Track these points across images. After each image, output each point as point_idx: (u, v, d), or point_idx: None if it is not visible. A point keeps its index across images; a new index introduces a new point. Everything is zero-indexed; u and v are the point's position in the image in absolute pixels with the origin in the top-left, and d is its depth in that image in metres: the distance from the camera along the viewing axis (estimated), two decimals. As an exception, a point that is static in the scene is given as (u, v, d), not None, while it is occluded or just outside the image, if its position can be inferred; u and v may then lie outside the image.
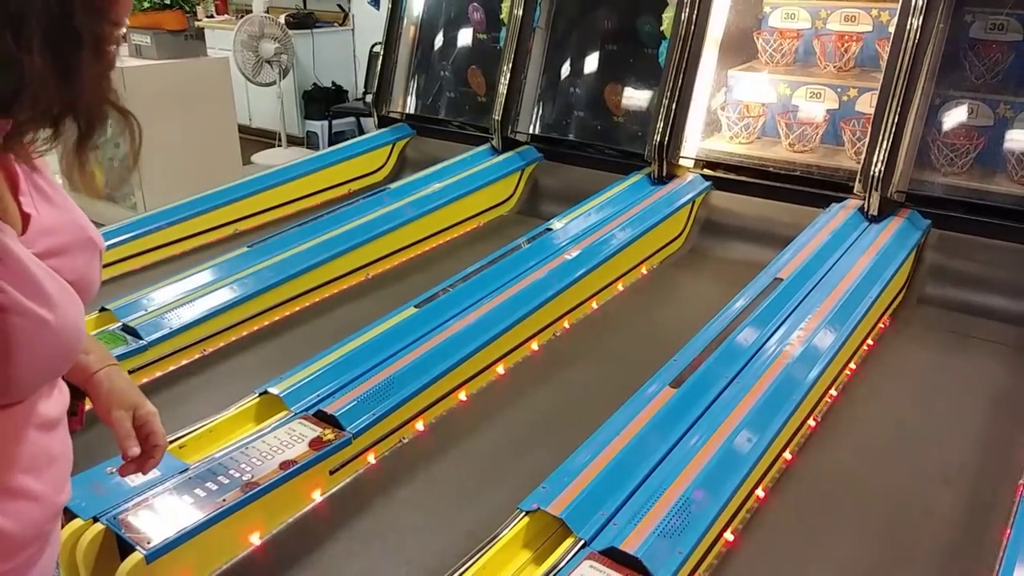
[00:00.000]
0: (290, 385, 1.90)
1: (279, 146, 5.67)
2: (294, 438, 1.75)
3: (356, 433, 1.78)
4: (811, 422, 1.93)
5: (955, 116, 2.66)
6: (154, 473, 1.62)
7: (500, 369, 2.18)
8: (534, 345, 2.29)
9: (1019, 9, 2.60)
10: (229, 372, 2.20)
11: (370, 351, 2.03)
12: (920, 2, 2.48)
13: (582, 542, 1.46)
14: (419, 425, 1.95)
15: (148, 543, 1.45)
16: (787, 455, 1.83)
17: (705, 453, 1.65)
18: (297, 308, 2.50)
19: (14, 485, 0.75)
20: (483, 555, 1.45)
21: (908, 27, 2.50)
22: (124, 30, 0.71)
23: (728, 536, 1.60)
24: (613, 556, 1.42)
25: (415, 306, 2.24)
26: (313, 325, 2.44)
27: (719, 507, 1.55)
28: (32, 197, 0.75)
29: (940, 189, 2.61)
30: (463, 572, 1.42)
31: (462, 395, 2.06)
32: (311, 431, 1.77)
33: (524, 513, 1.54)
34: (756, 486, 1.70)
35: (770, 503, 1.71)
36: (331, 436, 1.76)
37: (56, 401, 0.84)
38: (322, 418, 1.81)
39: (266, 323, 2.42)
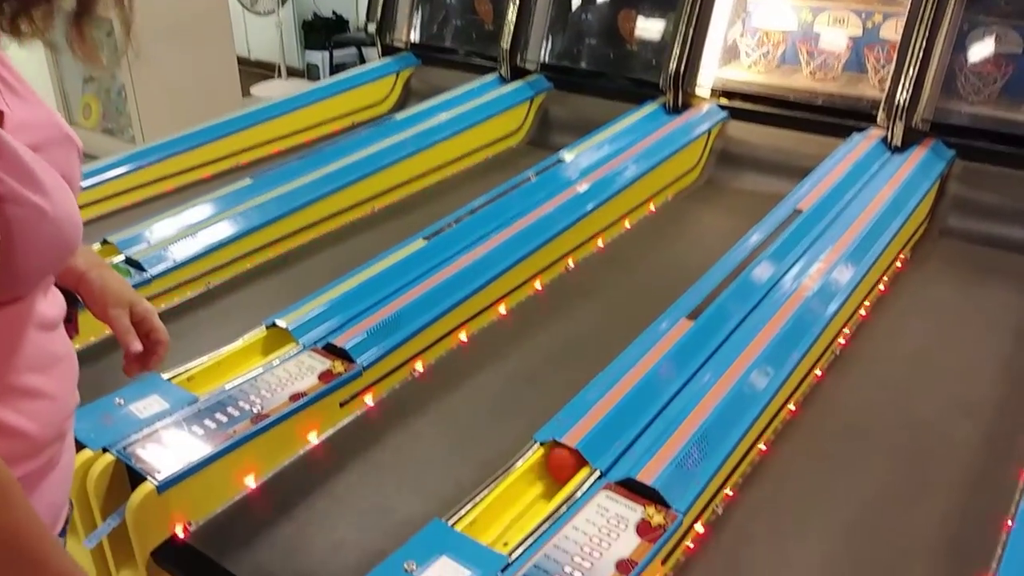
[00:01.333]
0: (298, 318, 1.86)
1: (279, 78, 5.53)
2: (303, 370, 1.72)
3: (366, 366, 1.75)
4: (833, 352, 1.90)
5: (983, 43, 2.55)
6: (163, 405, 1.62)
7: (511, 303, 2.13)
8: (545, 278, 2.24)
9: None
10: (235, 305, 2.16)
11: (379, 283, 1.98)
12: (951, -80, 2.35)
13: (598, 473, 1.44)
14: (429, 359, 1.92)
15: (159, 474, 1.43)
16: (806, 387, 1.79)
17: (724, 384, 1.62)
18: (302, 241, 2.44)
19: (26, 384, 0.75)
20: (498, 485, 1.43)
21: (939, -54, 2.38)
22: None
23: (759, 447, 1.58)
24: (630, 487, 1.40)
25: (424, 238, 2.19)
26: (319, 258, 2.39)
27: (738, 436, 1.52)
28: (2, 93, 0.71)
29: (966, 119, 2.52)
30: (478, 502, 1.40)
31: (472, 329, 2.02)
32: (321, 364, 1.74)
33: (539, 444, 1.51)
34: (774, 418, 1.67)
35: (787, 434, 1.68)
36: (341, 369, 1.73)
37: (52, 302, 0.82)
38: (331, 351, 1.78)
39: (271, 256, 2.37)
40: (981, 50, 2.55)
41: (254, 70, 5.84)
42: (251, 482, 1.57)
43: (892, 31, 2.75)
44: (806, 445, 1.67)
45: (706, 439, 1.49)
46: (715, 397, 1.59)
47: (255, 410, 1.60)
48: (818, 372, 1.84)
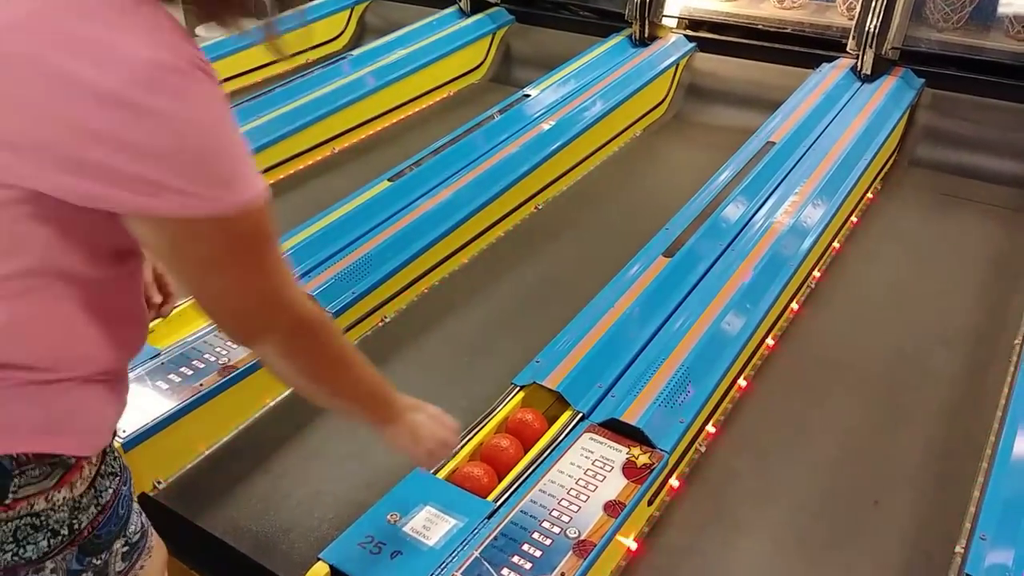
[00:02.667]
0: (260, 265, 1.77)
1: (225, 18, 5.28)
2: (269, 320, 1.65)
3: (337, 312, 1.69)
4: (809, 286, 1.88)
5: (953, -33, 2.51)
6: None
7: (482, 244, 2.08)
8: (516, 219, 2.18)
9: None
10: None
11: (344, 227, 1.90)
12: None
13: (580, 415, 1.41)
14: (400, 304, 1.86)
15: (123, 432, 1.36)
16: (784, 322, 1.78)
17: (702, 322, 1.59)
18: (260, 186, 2.34)
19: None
20: (480, 430, 1.40)
21: None
22: None
23: (739, 383, 1.57)
24: (613, 428, 1.37)
25: (388, 180, 2.11)
26: (279, 203, 2.23)
27: (720, 374, 1.50)
28: None
29: (935, 46, 2.49)
30: (460, 448, 1.36)
31: (443, 273, 1.97)
32: (287, 312, 1.67)
33: (519, 388, 1.48)
34: (754, 354, 1.66)
35: (768, 370, 1.67)
36: (309, 317, 1.66)
37: None
38: (298, 299, 1.70)
39: (228, 202, 2.26)
40: (951, -25, 2.51)
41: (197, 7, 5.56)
42: (222, 436, 1.52)
43: (861, -43, 2.68)
44: (786, 379, 1.66)
45: (688, 377, 1.47)
46: (695, 335, 1.56)
47: (222, 362, 1.53)
48: (795, 306, 1.82)
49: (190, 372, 1.51)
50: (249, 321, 0.79)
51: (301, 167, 2.45)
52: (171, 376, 1.50)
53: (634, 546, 1.29)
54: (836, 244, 2.03)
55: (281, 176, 2.39)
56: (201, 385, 1.47)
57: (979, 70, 2.41)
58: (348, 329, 1.73)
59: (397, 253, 1.85)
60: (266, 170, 2.35)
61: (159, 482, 1.43)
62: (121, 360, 0.82)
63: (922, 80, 2.46)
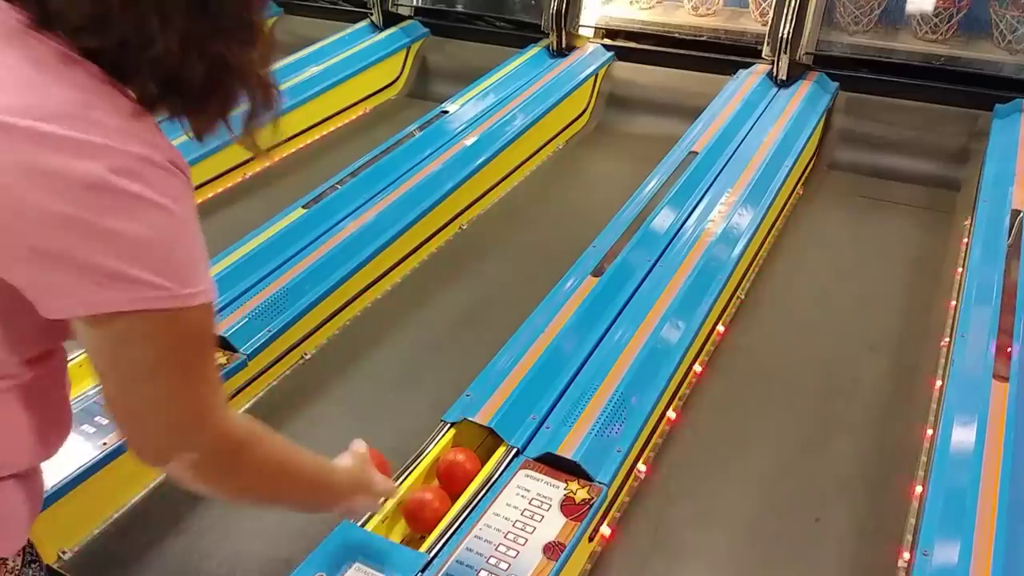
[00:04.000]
0: (168, 306, 1.66)
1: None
2: (179, 366, 1.54)
3: (251, 354, 1.59)
4: (739, 296, 1.87)
5: (860, -29, 2.55)
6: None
7: (405, 269, 2.00)
8: (439, 240, 2.11)
9: None
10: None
11: (257, 261, 1.80)
12: None
13: (515, 450, 1.35)
14: (321, 339, 1.77)
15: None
16: (720, 328, 1.76)
17: (635, 343, 1.56)
18: (167, 217, 2.21)
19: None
20: (411, 472, 1.33)
21: None
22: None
23: (668, 416, 1.54)
24: (549, 462, 1.32)
25: (303, 207, 2.01)
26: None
27: (655, 397, 1.46)
28: None
29: (846, 49, 2.53)
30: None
31: (366, 302, 1.88)
32: (199, 356, 1.56)
33: (450, 424, 1.41)
34: (688, 371, 1.63)
35: (702, 386, 1.65)
36: (223, 359, 1.56)
37: None
38: (210, 340, 1.60)
39: (133, 237, 2.13)
40: (857, -21, 2.55)
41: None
42: (131, 496, 1.41)
43: (770, -38, 2.71)
44: (720, 395, 1.64)
45: (623, 403, 1.43)
46: (628, 357, 1.52)
47: (127, 417, 1.42)
48: (725, 321, 1.81)
49: (92, 429, 1.39)
50: (169, 437, 0.73)
51: (210, 195, 2.33)
52: (73, 434, 1.38)
53: (577, 587, 1.24)
54: (763, 253, 2.02)
55: (189, 206, 2.27)
56: (105, 444, 1.36)
57: (890, 72, 2.45)
58: (265, 370, 1.63)
59: (315, 285, 1.76)
60: (173, 200, 2.23)
61: (64, 552, 1.32)
62: (46, 458, 0.79)
63: (836, 84, 2.49)
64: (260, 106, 0.69)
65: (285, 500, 0.90)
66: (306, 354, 1.73)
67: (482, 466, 1.34)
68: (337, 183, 2.11)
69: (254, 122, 0.70)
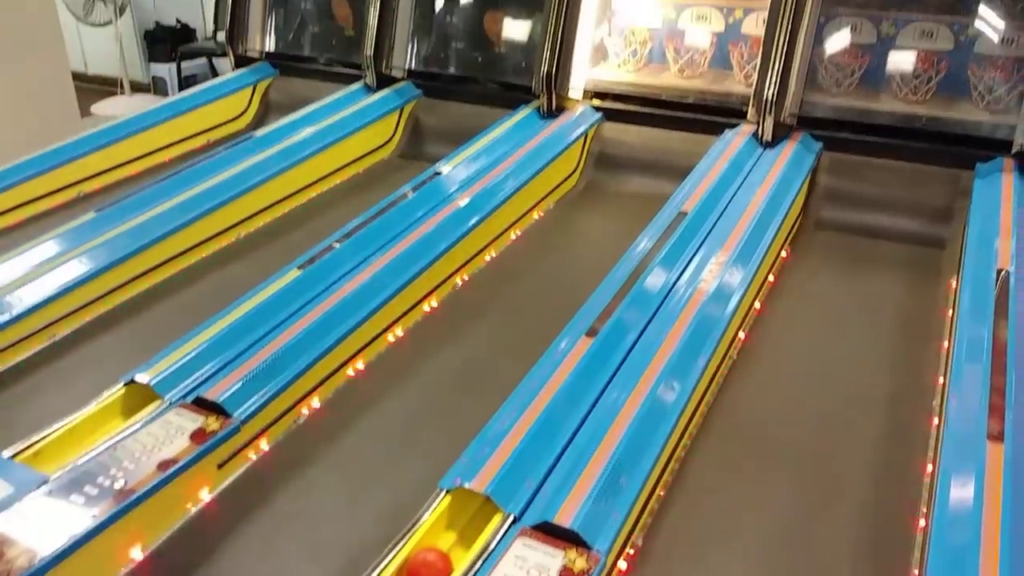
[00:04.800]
0: (161, 370, 1.66)
1: (122, 94, 5.12)
2: (172, 432, 1.53)
3: (244, 419, 1.58)
4: (731, 358, 1.88)
5: (840, 35, 2.63)
6: (6, 489, 1.39)
7: (399, 331, 2.00)
8: (432, 302, 2.12)
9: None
10: (86, 360, 1.92)
11: (251, 323, 1.80)
12: (806, -83, 2.40)
13: (512, 518, 1.34)
14: (315, 402, 1.76)
15: (7, 575, 1.22)
16: (709, 397, 1.77)
17: (630, 406, 1.55)
18: (159, 279, 2.21)
19: None
20: (406, 541, 1.31)
21: (796, -57, 2.42)
22: None
23: (665, 479, 1.53)
24: (547, 530, 1.31)
25: (298, 267, 2.02)
26: (181, 298, 2.17)
27: (651, 462, 1.46)
28: None
29: (829, 110, 2.59)
30: (388, 562, 1.27)
31: (359, 363, 1.88)
32: (191, 422, 1.55)
33: (445, 492, 1.40)
34: (683, 433, 1.63)
35: (697, 449, 1.64)
36: (216, 425, 1.55)
37: None
38: (203, 405, 1.59)
39: (125, 299, 2.12)
40: (839, 42, 2.62)
41: (93, 86, 5.37)
42: (120, 569, 1.38)
43: (753, 26, 2.79)
44: (717, 458, 1.63)
45: (620, 467, 1.42)
46: (624, 419, 1.52)
47: (118, 485, 1.40)
48: (718, 380, 1.81)
49: (82, 500, 1.37)
50: None
51: (204, 255, 2.34)
52: (61, 506, 1.36)
53: (576, 660, 1.22)
54: (752, 312, 2.04)
55: (183, 267, 2.27)
56: (94, 515, 1.34)
57: (873, 132, 2.51)
58: (257, 436, 1.62)
59: (309, 347, 1.75)
60: (166, 262, 2.23)
61: (50, 627, 1.28)
62: None
63: (820, 144, 2.54)
64: None
65: None
66: (299, 419, 1.72)
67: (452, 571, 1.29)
68: (332, 244, 2.13)
69: None
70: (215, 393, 1.60)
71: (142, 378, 1.64)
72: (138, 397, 1.64)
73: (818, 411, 1.75)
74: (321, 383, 1.78)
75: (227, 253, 2.38)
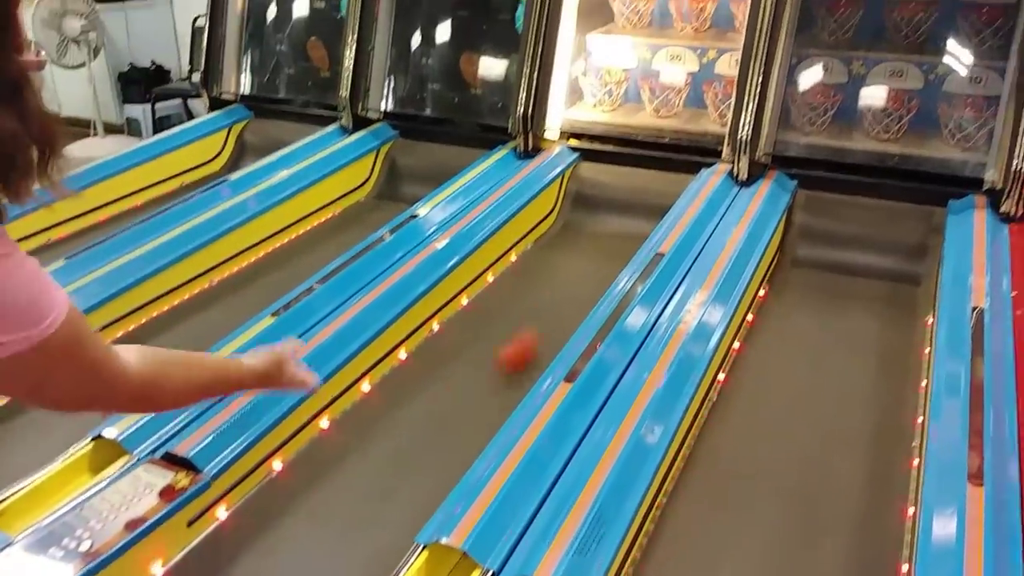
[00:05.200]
0: (129, 425, 1.61)
1: (95, 136, 5.07)
2: (140, 489, 1.49)
3: (215, 474, 1.54)
4: (711, 400, 1.87)
5: (812, 75, 2.67)
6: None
7: (375, 377, 1.97)
8: (410, 345, 2.09)
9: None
10: (52, 415, 1.86)
11: (224, 374, 1.76)
12: (776, -39, 2.43)
13: (490, 573, 1.30)
14: (289, 453, 1.72)
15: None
16: (691, 440, 1.75)
17: (612, 450, 1.53)
18: (130, 327, 2.17)
19: None
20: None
21: (767, -13, 2.46)
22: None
23: (647, 527, 1.50)
24: (527, 586, 1.28)
25: (272, 314, 1.99)
26: (153, 346, 2.12)
27: (632, 512, 1.43)
28: None
29: (803, 149, 2.61)
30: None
31: (335, 414, 1.85)
32: (160, 478, 1.51)
33: (423, 547, 1.36)
34: (664, 480, 1.61)
35: (678, 496, 1.62)
36: (185, 482, 1.51)
37: None
38: (172, 461, 1.55)
39: (94, 349, 2.08)
40: (811, 81, 2.66)
41: (67, 128, 5.33)
42: (85, 637, 1.33)
43: (727, 67, 2.82)
44: (700, 499, 1.61)
45: (601, 518, 1.39)
46: (604, 467, 1.50)
47: (84, 547, 1.36)
48: (699, 422, 1.79)
49: (48, 562, 1.33)
50: (91, 407, 0.90)
51: (176, 302, 2.30)
52: (25, 568, 1.31)
53: None
54: (732, 352, 2.03)
55: (154, 314, 2.23)
56: (69, 577, 1.30)
57: (846, 170, 2.53)
58: (229, 491, 1.57)
59: (282, 398, 1.71)
60: (137, 309, 2.19)
61: None
62: None
63: (795, 182, 2.56)
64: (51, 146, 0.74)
65: (199, 397, 1.08)
66: (271, 473, 1.68)
67: None
68: (307, 289, 2.10)
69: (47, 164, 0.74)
70: (185, 448, 1.56)
71: (110, 433, 1.60)
72: (106, 452, 1.59)
73: (801, 451, 1.74)
74: (294, 434, 1.74)
75: (201, 299, 2.34)
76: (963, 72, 2.55)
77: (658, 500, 1.58)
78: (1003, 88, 2.44)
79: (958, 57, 2.56)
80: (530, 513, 1.41)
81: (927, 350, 1.93)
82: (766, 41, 2.47)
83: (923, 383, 1.83)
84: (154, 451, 1.57)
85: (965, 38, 2.55)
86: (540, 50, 2.79)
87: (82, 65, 4.90)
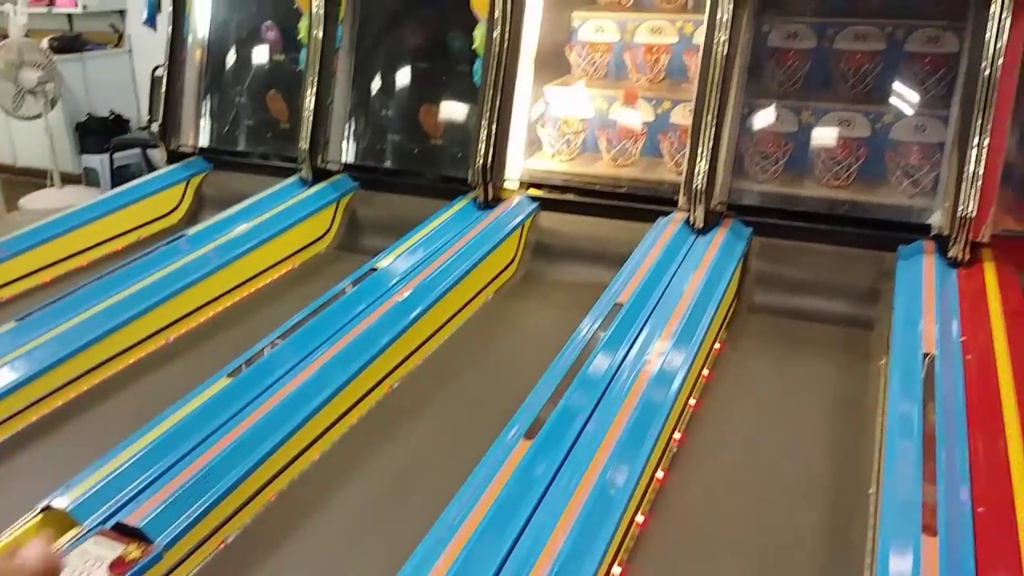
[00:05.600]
0: (79, 494, 1.57)
1: (52, 186, 5.02)
2: (89, 564, 1.44)
3: (167, 545, 1.50)
4: (671, 450, 1.87)
5: (763, 124, 2.73)
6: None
7: (333, 437, 1.95)
8: (369, 403, 2.07)
9: (810, 17, 2.72)
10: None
11: (176, 439, 1.73)
12: (725, 16, 2.50)
13: (450, 642, 1.28)
14: (245, 519, 1.69)
15: None
16: (651, 495, 1.74)
17: (571, 509, 1.52)
18: (82, 389, 2.13)
19: None
20: None
21: (716, 41, 2.52)
22: None
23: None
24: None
25: (228, 375, 1.96)
26: (106, 409, 2.08)
27: (594, 568, 1.42)
28: None
29: (757, 197, 2.67)
30: None
31: (292, 475, 1.82)
32: (110, 551, 1.47)
33: (380, 617, 1.34)
34: (624, 537, 1.60)
35: (638, 553, 1.61)
36: (136, 554, 1.47)
37: None
38: (123, 532, 1.51)
39: (42, 415, 2.03)
40: (763, 131, 2.72)
41: (23, 179, 5.27)
42: None
43: (681, 116, 2.88)
44: (659, 560, 1.60)
45: (566, 568, 1.38)
46: (564, 526, 1.49)
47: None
48: (660, 476, 1.80)
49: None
50: None
51: (131, 361, 2.26)
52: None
53: None
54: (691, 401, 2.04)
55: (105, 377, 2.18)
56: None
57: (799, 217, 2.58)
58: (182, 562, 1.54)
59: (237, 463, 1.69)
60: (89, 371, 2.15)
61: None
62: None
63: (750, 229, 2.60)
64: None
65: None
66: (227, 538, 1.64)
67: None
68: (266, 346, 2.08)
69: None
70: (136, 518, 1.52)
71: (60, 503, 1.55)
72: (55, 525, 1.54)
73: (762, 507, 1.74)
74: (251, 499, 1.71)
75: (154, 360, 2.30)
76: (908, 120, 2.63)
77: (620, 557, 1.57)
78: (946, 135, 2.52)
79: (903, 106, 2.64)
80: (493, 572, 1.39)
81: (881, 394, 1.96)
82: (718, 92, 2.53)
83: (878, 430, 1.85)
84: (105, 521, 1.53)
85: (909, 87, 2.64)
86: (498, 102, 2.83)
87: (39, 116, 4.87)
